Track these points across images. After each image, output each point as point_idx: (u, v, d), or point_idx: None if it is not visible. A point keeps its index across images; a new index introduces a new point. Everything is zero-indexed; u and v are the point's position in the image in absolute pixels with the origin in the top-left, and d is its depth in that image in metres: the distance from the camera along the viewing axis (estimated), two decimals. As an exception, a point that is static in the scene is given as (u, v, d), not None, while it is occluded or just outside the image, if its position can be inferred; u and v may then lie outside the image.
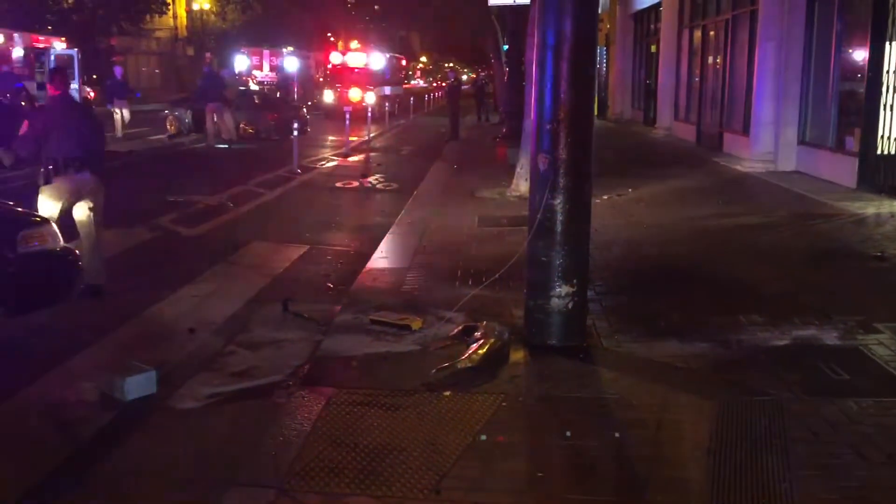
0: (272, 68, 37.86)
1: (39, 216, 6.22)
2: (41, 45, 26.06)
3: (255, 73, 36.80)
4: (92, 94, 28.16)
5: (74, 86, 25.34)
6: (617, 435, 3.93)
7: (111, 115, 20.61)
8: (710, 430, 3.97)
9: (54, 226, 5.97)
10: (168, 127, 21.97)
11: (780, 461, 3.65)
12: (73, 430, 4.27)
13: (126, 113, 20.87)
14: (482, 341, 4.98)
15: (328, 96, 32.72)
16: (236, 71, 36.53)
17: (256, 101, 23.40)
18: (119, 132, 20.58)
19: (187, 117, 21.52)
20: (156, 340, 5.63)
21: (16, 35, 25.20)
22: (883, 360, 4.86)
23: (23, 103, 16.92)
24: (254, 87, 30.59)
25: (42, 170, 6.63)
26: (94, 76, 32.86)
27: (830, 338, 5.26)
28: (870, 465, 3.63)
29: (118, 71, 22.44)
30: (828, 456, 3.71)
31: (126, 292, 6.87)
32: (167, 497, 3.54)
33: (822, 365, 4.79)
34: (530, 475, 3.60)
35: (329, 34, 54.75)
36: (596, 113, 21.21)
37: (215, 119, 19.64)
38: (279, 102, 25.31)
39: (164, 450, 4.02)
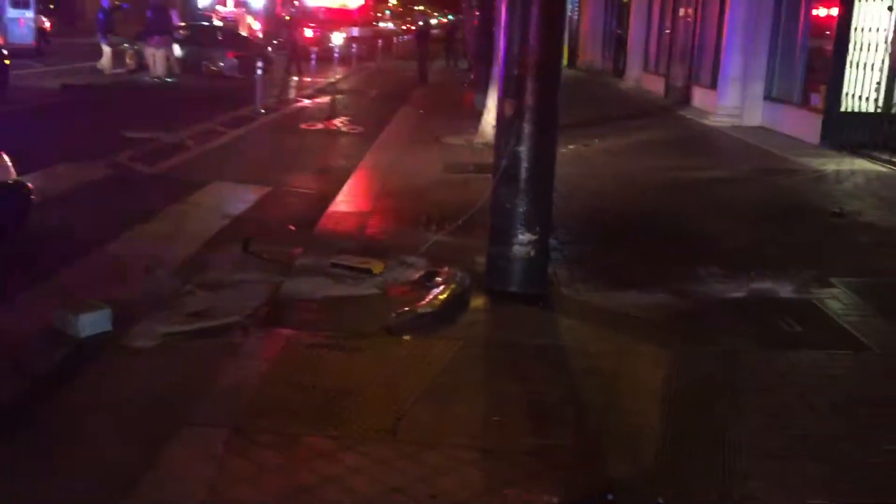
0: (237, 4, 36.85)
1: (-10, 148, 6.04)
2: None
3: (219, 7, 35.79)
4: (48, 24, 27.20)
5: (30, 14, 24.51)
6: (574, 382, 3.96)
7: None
8: (664, 379, 4.03)
9: (6, 157, 5.80)
10: (127, 61, 21.36)
11: (731, 409, 3.73)
12: (24, 365, 4.19)
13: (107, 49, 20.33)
14: (443, 287, 4.98)
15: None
16: (200, 6, 35.51)
17: (219, 38, 22.81)
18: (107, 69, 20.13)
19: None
20: (112, 278, 5.53)
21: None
22: (835, 314, 4.97)
23: None
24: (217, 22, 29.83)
25: None
26: (52, 6, 31.72)
27: (786, 291, 5.35)
28: (816, 414, 3.72)
29: (105, 2, 21.35)
30: (777, 405, 3.79)
31: (81, 229, 6.73)
32: (119, 434, 3.51)
33: (777, 317, 4.88)
34: (486, 419, 3.63)
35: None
36: (565, 61, 21.08)
37: (166, 55, 19.47)
38: (242, 40, 24.70)
39: (117, 387, 3.96)
